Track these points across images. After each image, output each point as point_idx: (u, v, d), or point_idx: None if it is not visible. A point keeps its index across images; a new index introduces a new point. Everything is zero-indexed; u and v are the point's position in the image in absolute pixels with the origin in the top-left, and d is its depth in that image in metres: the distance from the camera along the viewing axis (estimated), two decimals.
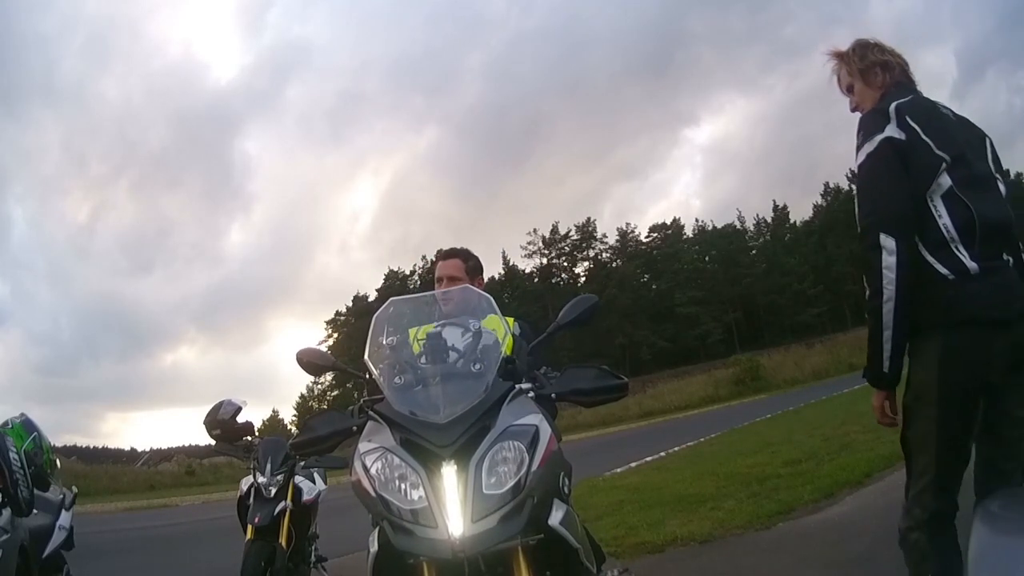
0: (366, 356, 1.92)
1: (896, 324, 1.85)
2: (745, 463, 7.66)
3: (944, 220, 1.85)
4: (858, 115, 2.11)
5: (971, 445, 1.94)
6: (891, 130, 1.89)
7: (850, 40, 2.25)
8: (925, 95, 2.11)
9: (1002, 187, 1.99)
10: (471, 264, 2.89)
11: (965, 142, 1.96)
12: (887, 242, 1.84)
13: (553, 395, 1.90)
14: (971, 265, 1.82)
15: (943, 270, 1.84)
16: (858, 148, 1.96)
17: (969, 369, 1.84)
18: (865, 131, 1.95)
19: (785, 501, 5.28)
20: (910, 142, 1.88)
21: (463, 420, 1.68)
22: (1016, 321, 1.84)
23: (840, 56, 2.20)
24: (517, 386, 1.86)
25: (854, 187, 2.03)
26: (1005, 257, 1.91)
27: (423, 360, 1.92)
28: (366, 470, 1.68)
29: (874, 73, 2.11)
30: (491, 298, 2.14)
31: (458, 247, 2.96)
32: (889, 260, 1.83)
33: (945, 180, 1.87)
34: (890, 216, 1.85)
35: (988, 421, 1.92)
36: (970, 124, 2.09)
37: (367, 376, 1.96)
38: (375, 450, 1.70)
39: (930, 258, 1.85)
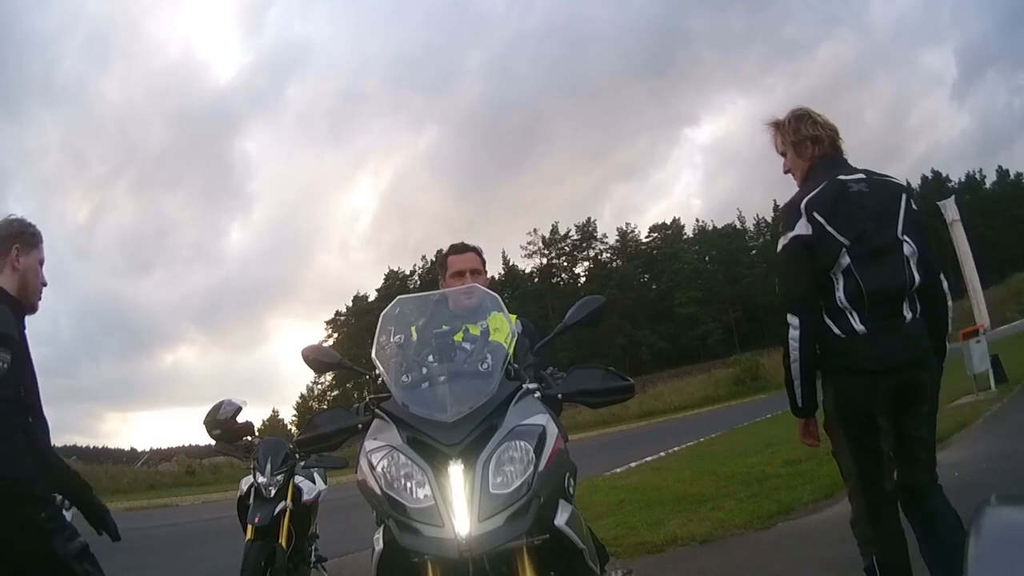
0: (373, 354, 1.92)
1: (801, 376, 2.38)
2: (745, 463, 7.66)
3: (839, 292, 2.31)
4: (790, 177, 2.58)
5: (883, 447, 2.36)
6: (801, 226, 2.34)
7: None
8: (852, 165, 2.45)
9: (908, 247, 2.34)
10: (483, 260, 2.90)
11: (870, 215, 2.33)
12: (792, 320, 2.35)
13: (560, 395, 1.89)
14: (859, 327, 2.29)
15: (837, 331, 2.32)
16: (779, 237, 2.42)
17: (855, 405, 2.34)
18: (783, 224, 2.41)
19: (785, 501, 5.29)
20: (816, 235, 2.32)
21: (470, 419, 1.68)
22: (903, 367, 2.29)
23: (777, 126, 2.58)
24: (524, 386, 1.85)
25: None
26: (905, 313, 2.32)
27: (430, 358, 1.91)
28: (372, 468, 1.68)
29: (805, 146, 2.49)
30: (498, 297, 2.14)
31: (467, 242, 2.95)
32: (793, 333, 2.34)
33: (845, 259, 2.30)
34: (794, 299, 2.36)
35: (896, 440, 2.38)
36: (885, 187, 2.40)
37: (374, 373, 1.96)
38: (381, 448, 1.70)
39: (829, 321, 2.33)
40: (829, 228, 2.29)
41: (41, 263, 2.53)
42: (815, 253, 2.31)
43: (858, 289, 2.28)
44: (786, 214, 2.40)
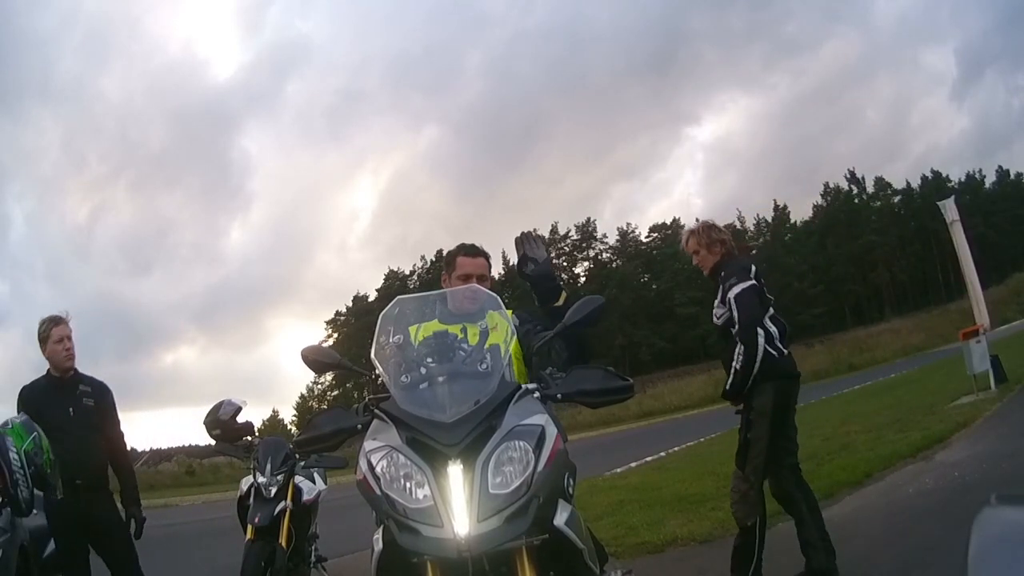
0: (372, 354, 1.91)
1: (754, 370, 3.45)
2: None
3: (772, 328, 3.52)
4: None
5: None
6: (752, 280, 3.51)
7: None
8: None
9: None
10: (491, 265, 2.81)
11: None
12: (760, 331, 3.45)
13: (559, 396, 1.89)
14: (784, 351, 3.55)
15: (774, 352, 3.48)
16: (734, 284, 3.48)
17: (789, 401, 3.59)
18: (737, 276, 3.51)
19: None
20: (760, 287, 3.54)
21: (469, 419, 1.68)
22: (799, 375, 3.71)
23: (693, 232, 3.74)
24: (523, 386, 1.86)
25: (733, 303, 3.50)
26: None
27: (429, 359, 1.90)
28: (372, 468, 1.68)
29: (716, 246, 3.65)
30: (498, 297, 2.13)
31: (478, 245, 2.82)
32: (760, 341, 3.44)
33: (768, 309, 3.56)
34: (757, 322, 3.46)
35: (792, 428, 3.64)
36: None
37: (373, 374, 1.96)
38: (381, 448, 1.70)
39: (768, 347, 3.47)
40: (761, 285, 3.52)
41: (60, 340, 3.74)
42: (761, 299, 3.51)
43: (783, 328, 3.57)
44: (737, 270, 3.53)
